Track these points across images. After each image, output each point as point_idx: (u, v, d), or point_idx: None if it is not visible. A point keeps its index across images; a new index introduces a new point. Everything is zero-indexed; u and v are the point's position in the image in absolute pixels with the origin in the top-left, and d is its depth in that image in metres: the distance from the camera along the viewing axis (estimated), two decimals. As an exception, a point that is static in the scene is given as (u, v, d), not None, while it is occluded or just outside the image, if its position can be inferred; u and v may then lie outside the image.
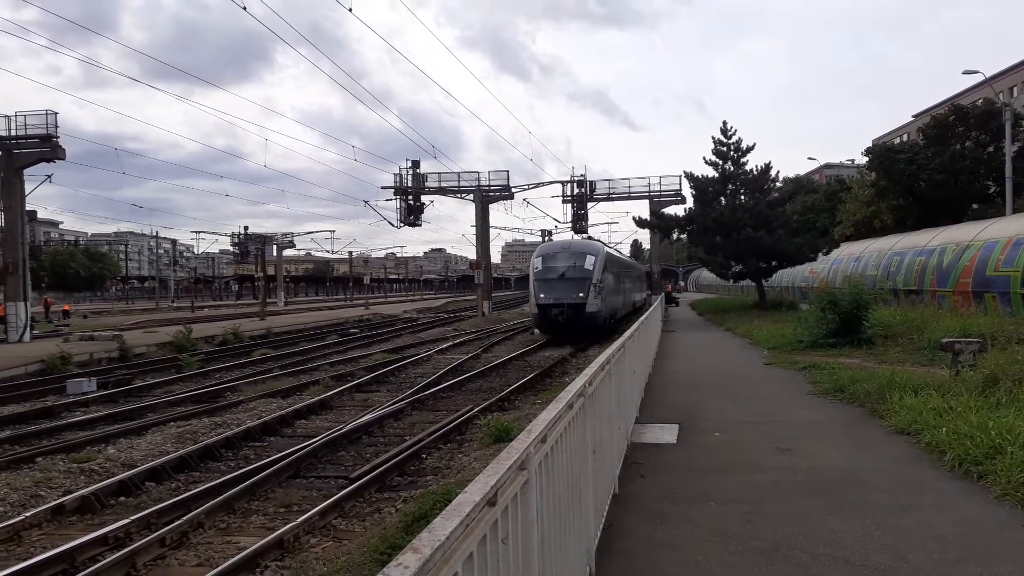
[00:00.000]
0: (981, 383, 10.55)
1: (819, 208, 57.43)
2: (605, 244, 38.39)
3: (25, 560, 7.02)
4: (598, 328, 28.91)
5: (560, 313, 28.48)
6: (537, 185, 54.82)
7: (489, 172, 50.96)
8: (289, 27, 43.41)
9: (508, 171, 55.30)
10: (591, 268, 29.58)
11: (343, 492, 9.08)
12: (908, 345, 17.91)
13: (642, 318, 14.34)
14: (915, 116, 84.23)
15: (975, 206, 43.44)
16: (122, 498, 9.52)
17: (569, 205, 52.72)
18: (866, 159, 49.02)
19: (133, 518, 8.17)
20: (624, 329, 10.95)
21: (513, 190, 51.75)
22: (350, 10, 16.39)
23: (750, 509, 6.35)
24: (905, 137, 75.27)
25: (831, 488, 6.95)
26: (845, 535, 5.64)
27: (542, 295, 29.30)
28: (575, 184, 52.77)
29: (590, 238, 44.23)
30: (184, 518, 8.13)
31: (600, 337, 27.97)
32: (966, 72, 44.14)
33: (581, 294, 28.59)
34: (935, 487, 6.94)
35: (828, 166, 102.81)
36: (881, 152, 46.42)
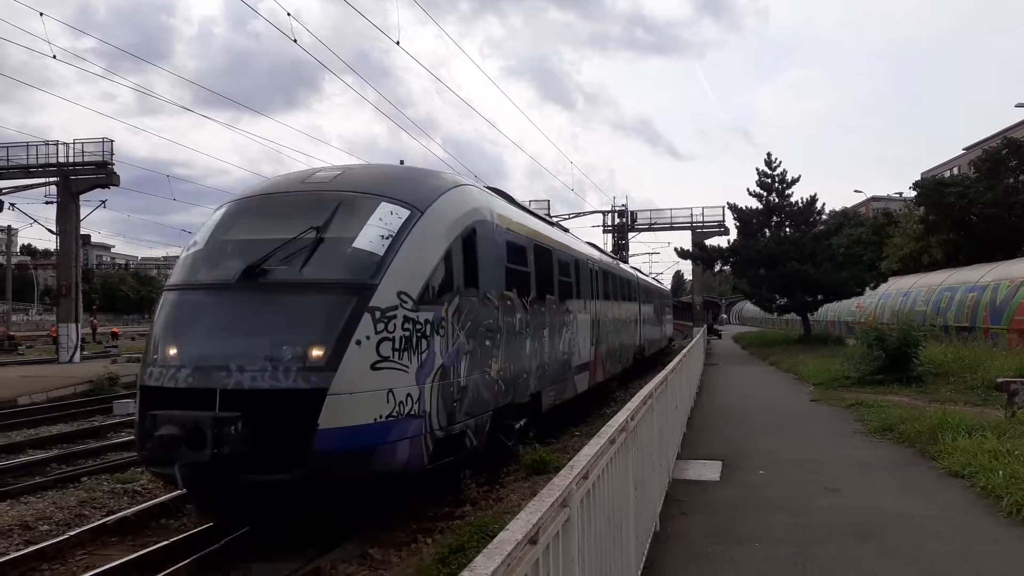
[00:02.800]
0: (1039, 426, 10.15)
1: (866, 242, 56.32)
2: (563, 227, 18.00)
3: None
4: (410, 491, 8.61)
5: (202, 431, 6.60)
6: (578, 215, 55.08)
7: (530, 201, 51.18)
8: (337, 58, 44.26)
9: (549, 200, 55.51)
10: (406, 250, 7.98)
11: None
12: (960, 384, 17.36)
13: (685, 350, 14.15)
14: (965, 149, 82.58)
15: (1030, 242, 42.22)
16: (163, 520, 9.60)
17: (610, 235, 52.67)
18: (914, 193, 48.06)
19: (171, 540, 8.23)
20: (628, 388, 9.96)
21: (554, 219, 51.79)
22: (397, 43, 16.68)
23: (796, 552, 6.15)
24: (955, 171, 73.73)
25: (882, 532, 6.71)
26: (897, 583, 5.42)
27: (169, 354, 7.51)
28: (616, 214, 52.76)
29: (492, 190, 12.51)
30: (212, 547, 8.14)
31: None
32: (1019, 105, 42.93)
33: (316, 351, 7.05)
34: (991, 534, 6.65)
35: (875, 199, 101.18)
36: (931, 186, 45.47)
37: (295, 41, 14.08)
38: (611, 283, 20.53)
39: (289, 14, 14.44)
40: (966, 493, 8.12)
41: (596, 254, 20.00)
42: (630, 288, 25.27)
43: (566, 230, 18.65)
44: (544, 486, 2.99)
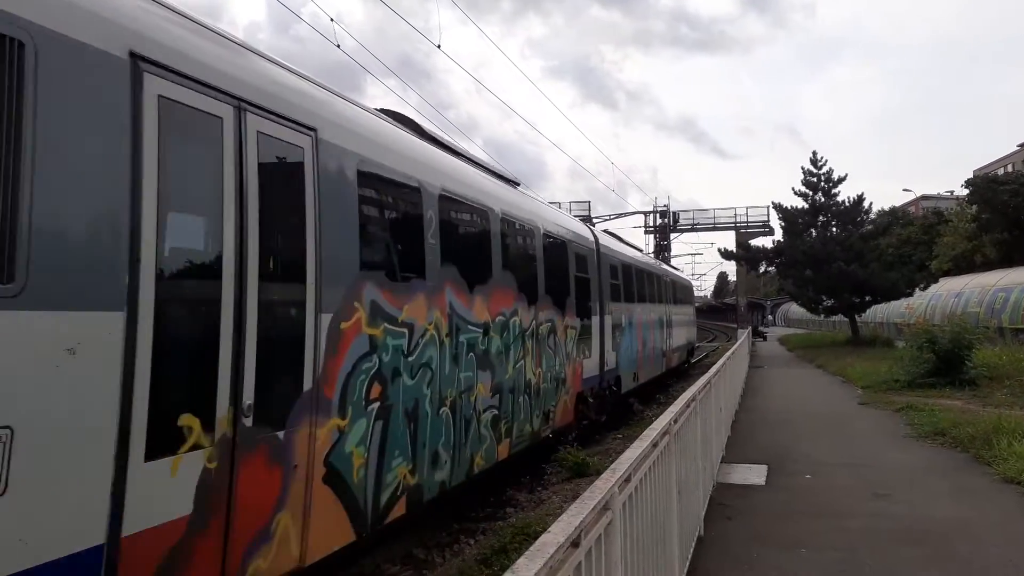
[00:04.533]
0: (1100, 431, 9.81)
1: (916, 241, 55.06)
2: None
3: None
4: None
5: None
6: (619, 215, 54.78)
7: (571, 203, 51.17)
8: (379, 61, 44.77)
9: (589, 201, 55.86)
10: None
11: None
12: (1016, 387, 16.84)
13: (729, 352, 13.98)
14: (1020, 146, 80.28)
15: (1089, 240, 40.84)
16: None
17: (652, 236, 52.32)
18: (967, 191, 46.85)
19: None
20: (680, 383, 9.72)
21: (595, 220, 51.65)
22: (438, 46, 16.83)
23: (844, 558, 6.04)
24: (1009, 168, 71.68)
25: (933, 539, 6.55)
26: (950, 591, 5.29)
27: None
28: (658, 214, 52.40)
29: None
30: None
31: None
32: (1078, 99, 41.64)
33: None
34: (1050, 543, 6.45)
35: (925, 198, 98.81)
36: (984, 184, 44.30)
37: (338, 46, 14.22)
38: (669, 287, 24.21)
39: (332, 19, 14.61)
40: (1022, 500, 7.89)
41: (661, 266, 24.53)
42: (674, 289, 26.21)
43: (640, 249, 23.33)
44: (586, 489, 2.98)
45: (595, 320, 13.73)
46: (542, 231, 10.93)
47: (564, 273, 12.01)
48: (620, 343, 15.66)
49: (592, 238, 14.55)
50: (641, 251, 21.96)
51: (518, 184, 11.52)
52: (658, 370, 21.06)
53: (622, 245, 18.71)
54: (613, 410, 14.96)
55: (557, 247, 11.69)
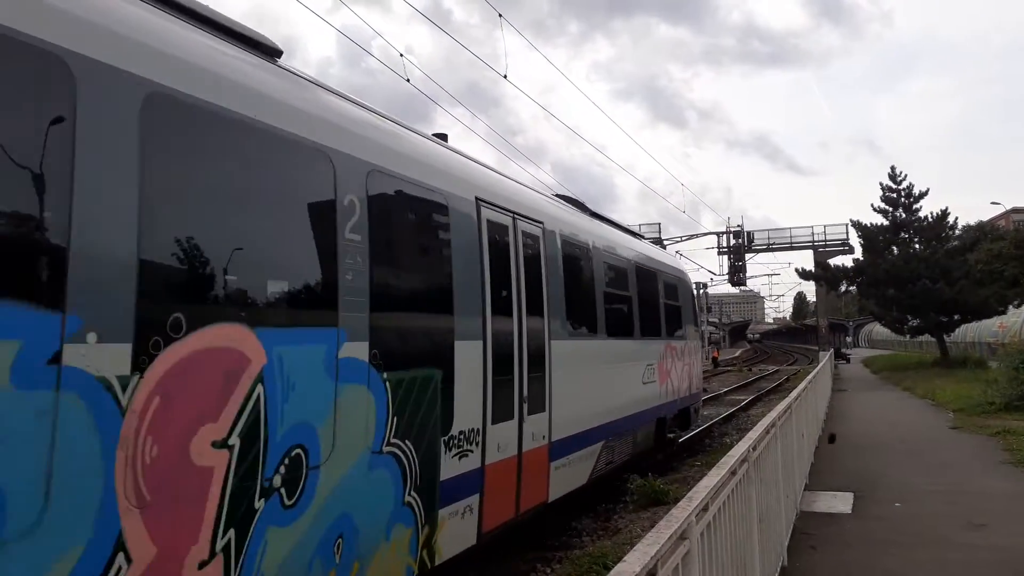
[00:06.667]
0: None
1: (1008, 256, 52.50)
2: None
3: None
4: None
5: None
6: (691, 237, 54.10)
7: (640, 225, 50.71)
8: (447, 93, 45.68)
9: (660, 223, 54.99)
10: None
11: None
12: (1125, 409, 15.82)
13: (810, 376, 13.57)
14: (1120, 152, 75.97)
15: None
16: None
17: (725, 257, 51.46)
18: (1062, 201, 44.56)
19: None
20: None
21: (665, 242, 51.14)
22: (504, 76, 17.08)
23: (940, 592, 5.74)
24: (1109, 176, 67.91)
25: (1038, 572, 6.17)
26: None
27: None
28: (731, 235, 51.55)
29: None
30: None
31: None
32: None
33: None
34: None
35: (1016, 210, 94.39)
36: (1080, 193, 42.10)
37: (408, 80, 14.59)
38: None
39: (402, 55, 15.05)
40: None
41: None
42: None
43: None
44: (662, 518, 2.93)
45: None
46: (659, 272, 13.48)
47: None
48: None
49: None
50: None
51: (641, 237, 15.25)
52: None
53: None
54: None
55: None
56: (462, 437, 5.98)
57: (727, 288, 79.35)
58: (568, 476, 8.59)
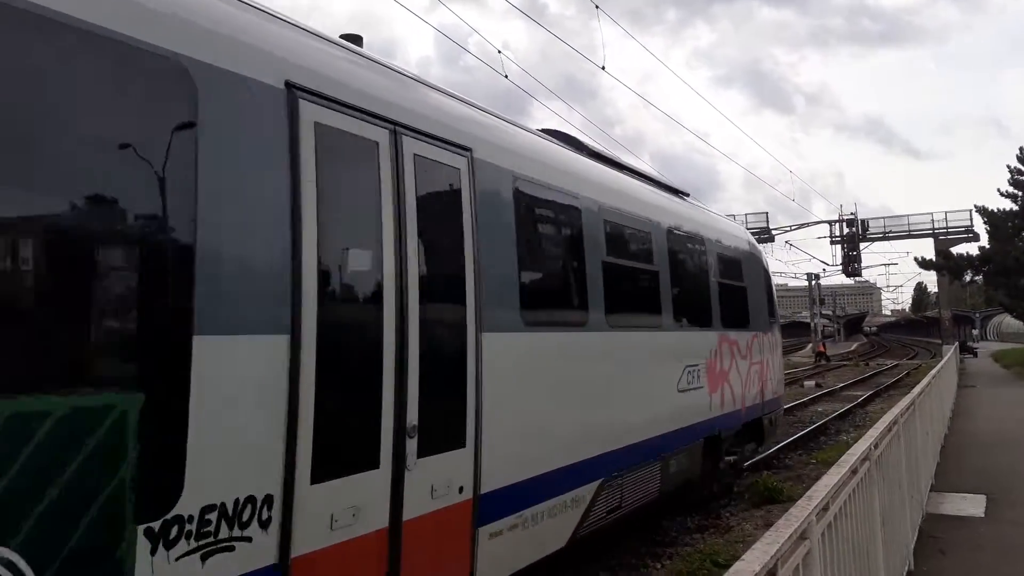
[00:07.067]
0: None
1: None
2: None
3: None
4: None
5: None
6: (801, 226, 52.20)
7: (747, 214, 49.23)
8: (543, 87, 45.81)
9: (767, 212, 53.31)
10: None
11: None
12: None
13: (933, 371, 12.86)
14: None
15: None
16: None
17: (838, 246, 49.43)
18: None
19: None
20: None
21: (774, 232, 49.56)
22: (603, 68, 16.94)
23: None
24: None
25: None
26: None
27: None
28: (844, 223, 49.42)
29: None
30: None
31: None
32: None
33: None
34: None
35: None
36: None
37: (506, 77, 14.68)
38: None
39: (500, 51, 15.14)
40: None
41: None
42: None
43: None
44: (777, 516, 2.87)
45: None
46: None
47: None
48: None
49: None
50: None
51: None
52: None
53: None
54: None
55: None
56: (217, 515, 3.36)
57: (841, 279, 76.35)
58: (522, 542, 5.67)
